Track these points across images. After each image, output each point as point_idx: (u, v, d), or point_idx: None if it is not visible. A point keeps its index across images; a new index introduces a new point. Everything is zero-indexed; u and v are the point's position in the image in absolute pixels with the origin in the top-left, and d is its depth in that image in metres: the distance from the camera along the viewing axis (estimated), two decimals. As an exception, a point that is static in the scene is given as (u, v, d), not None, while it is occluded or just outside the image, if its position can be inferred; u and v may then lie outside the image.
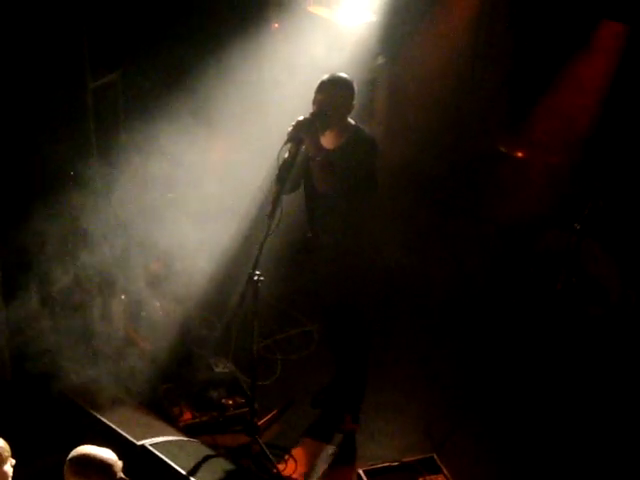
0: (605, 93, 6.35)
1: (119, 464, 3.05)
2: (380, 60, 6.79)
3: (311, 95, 4.33)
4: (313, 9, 6.31)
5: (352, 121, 4.41)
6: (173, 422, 4.86)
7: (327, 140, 4.36)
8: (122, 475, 3.04)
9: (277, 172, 4.21)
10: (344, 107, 4.33)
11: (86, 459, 3.01)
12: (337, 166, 4.25)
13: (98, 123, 5.37)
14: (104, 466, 3.00)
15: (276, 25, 6.16)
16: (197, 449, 4.42)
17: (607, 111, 6.34)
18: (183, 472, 3.99)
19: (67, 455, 3.05)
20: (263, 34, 5.93)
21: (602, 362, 5.48)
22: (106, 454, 3.04)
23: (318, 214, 4.54)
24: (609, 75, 6.36)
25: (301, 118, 4.22)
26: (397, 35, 6.70)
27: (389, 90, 6.96)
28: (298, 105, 4.51)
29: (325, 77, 4.32)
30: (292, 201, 4.55)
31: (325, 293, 4.81)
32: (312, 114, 4.25)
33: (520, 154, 6.73)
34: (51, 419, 4.37)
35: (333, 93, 4.27)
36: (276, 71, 5.89)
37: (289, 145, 4.21)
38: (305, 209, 4.65)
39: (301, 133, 4.18)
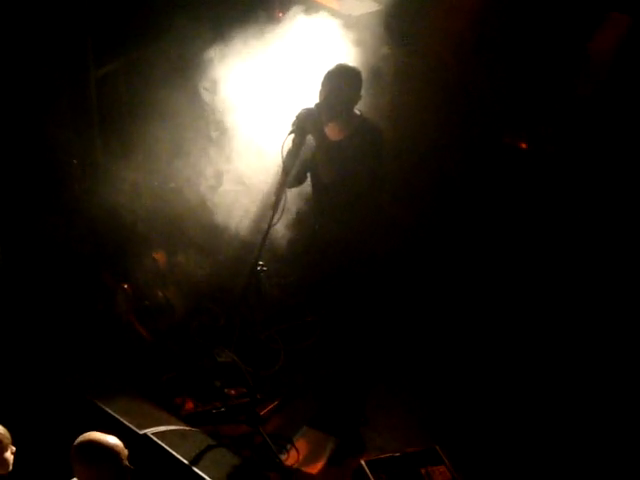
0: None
1: (125, 452, 3.05)
2: (385, 50, 6.74)
3: (315, 86, 4.30)
4: (317, -3, 6.26)
5: (358, 111, 4.34)
6: (175, 412, 4.86)
7: (333, 131, 4.29)
8: (127, 463, 3.04)
9: (282, 162, 4.19)
10: (351, 98, 4.23)
11: (93, 445, 3.01)
12: (344, 157, 4.20)
13: (102, 111, 5.37)
14: (111, 453, 3.00)
15: (280, 14, 6.12)
16: (199, 439, 4.42)
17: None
18: (185, 461, 3.99)
19: (69, 444, 3.05)
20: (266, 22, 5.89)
21: (601, 361, 5.47)
22: (113, 440, 3.04)
23: (326, 206, 4.48)
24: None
25: (305, 108, 4.19)
26: (402, 24, 6.65)
27: (394, 80, 6.90)
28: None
29: (332, 67, 4.23)
30: (299, 193, 4.53)
31: (330, 285, 4.73)
32: (317, 105, 4.19)
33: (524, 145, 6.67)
34: (53, 408, 4.37)
35: (340, 84, 4.18)
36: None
37: (293, 136, 4.19)
38: (313, 201, 4.61)
39: (305, 123, 4.16)
